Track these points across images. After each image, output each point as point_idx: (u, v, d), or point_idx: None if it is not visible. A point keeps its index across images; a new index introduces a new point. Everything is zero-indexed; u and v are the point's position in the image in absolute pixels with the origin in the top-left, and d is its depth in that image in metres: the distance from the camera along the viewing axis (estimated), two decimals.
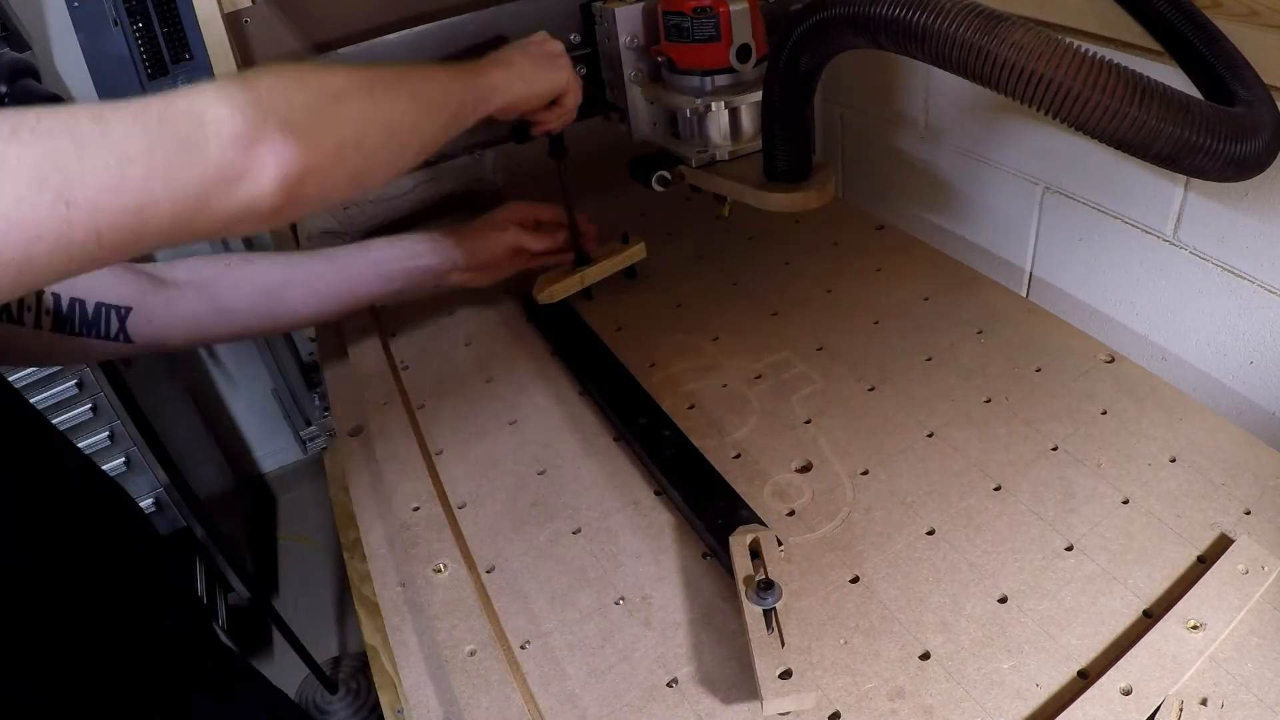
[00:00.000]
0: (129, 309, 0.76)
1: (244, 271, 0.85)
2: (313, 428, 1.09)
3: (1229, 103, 0.65)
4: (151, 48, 1.81)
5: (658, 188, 0.95)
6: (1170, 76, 0.64)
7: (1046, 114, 0.57)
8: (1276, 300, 0.82)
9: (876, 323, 0.97)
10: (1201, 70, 0.71)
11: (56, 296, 0.71)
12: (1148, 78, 0.56)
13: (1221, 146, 0.57)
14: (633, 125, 1.04)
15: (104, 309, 0.75)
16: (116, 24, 1.77)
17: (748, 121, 0.95)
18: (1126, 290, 0.98)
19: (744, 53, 0.88)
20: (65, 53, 1.79)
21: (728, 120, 0.94)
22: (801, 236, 1.14)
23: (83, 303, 0.73)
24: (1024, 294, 1.11)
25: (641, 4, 0.97)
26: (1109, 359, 0.86)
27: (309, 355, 1.13)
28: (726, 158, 0.95)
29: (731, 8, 0.86)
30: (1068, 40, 0.56)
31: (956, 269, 1.04)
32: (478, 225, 0.98)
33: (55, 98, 1.42)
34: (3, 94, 1.43)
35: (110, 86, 1.81)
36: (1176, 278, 0.91)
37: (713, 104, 0.90)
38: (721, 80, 0.91)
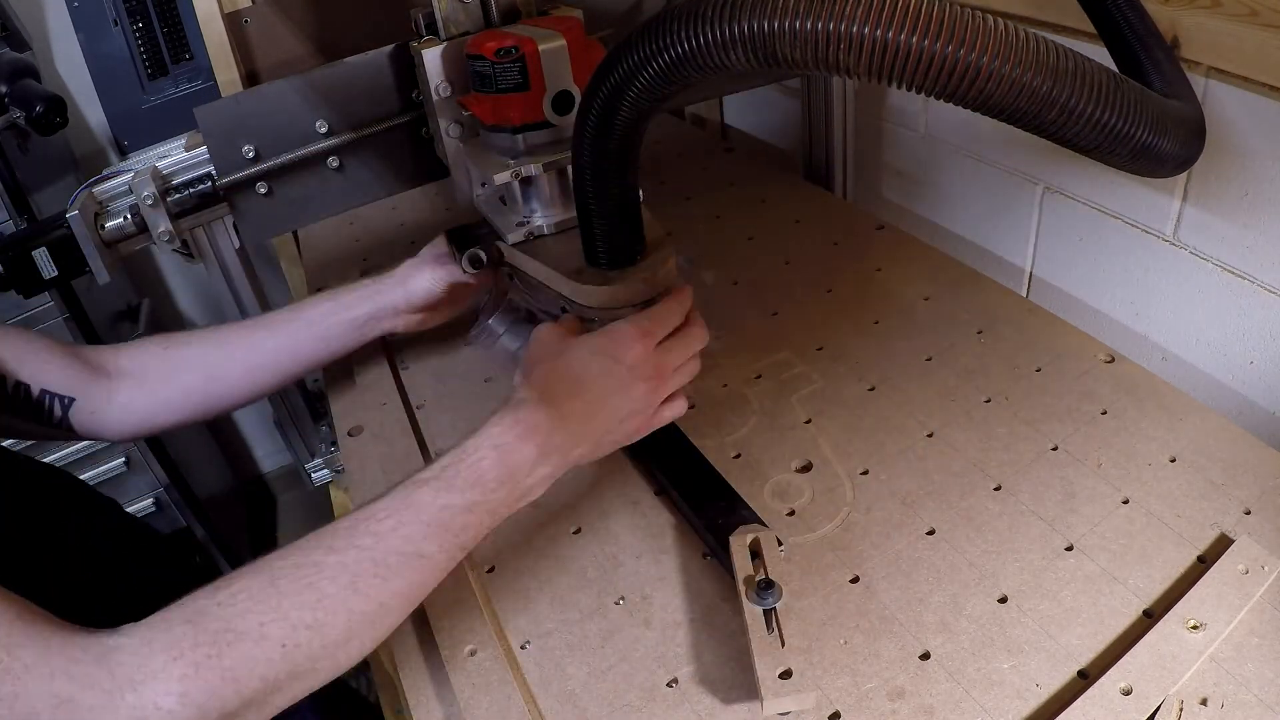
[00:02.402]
0: (72, 399, 0.73)
1: (179, 355, 0.81)
2: (317, 460, 1.06)
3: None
4: (151, 48, 1.81)
5: (467, 269, 0.78)
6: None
7: (919, 90, 0.49)
8: (1276, 300, 0.82)
9: (876, 323, 0.96)
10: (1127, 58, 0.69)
11: (3, 377, 0.69)
12: (1035, 34, 0.46)
13: (1105, 116, 0.48)
14: (457, 189, 0.86)
15: (48, 396, 0.72)
16: (116, 24, 1.77)
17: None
18: (1126, 290, 0.98)
19: (563, 101, 0.72)
20: (65, 53, 1.79)
21: (549, 186, 0.76)
22: (801, 236, 1.14)
23: (28, 387, 0.70)
24: (1024, 294, 1.11)
25: (449, 43, 0.79)
26: (1109, 359, 0.86)
27: (314, 383, 1.10)
28: (550, 231, 0.77)
29: (541, 47, 0.69)
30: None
31: (956, 269, 1.04)
32: (410, 263, 0.87)
33: (55, 98, 1.43)
34: (3, 94, 1.43)
35: (110, 86, 1.81)
36: (1176, 278, 0.91)
37: (523, 168, 0.73)
38: (537, 137, 0.74)
